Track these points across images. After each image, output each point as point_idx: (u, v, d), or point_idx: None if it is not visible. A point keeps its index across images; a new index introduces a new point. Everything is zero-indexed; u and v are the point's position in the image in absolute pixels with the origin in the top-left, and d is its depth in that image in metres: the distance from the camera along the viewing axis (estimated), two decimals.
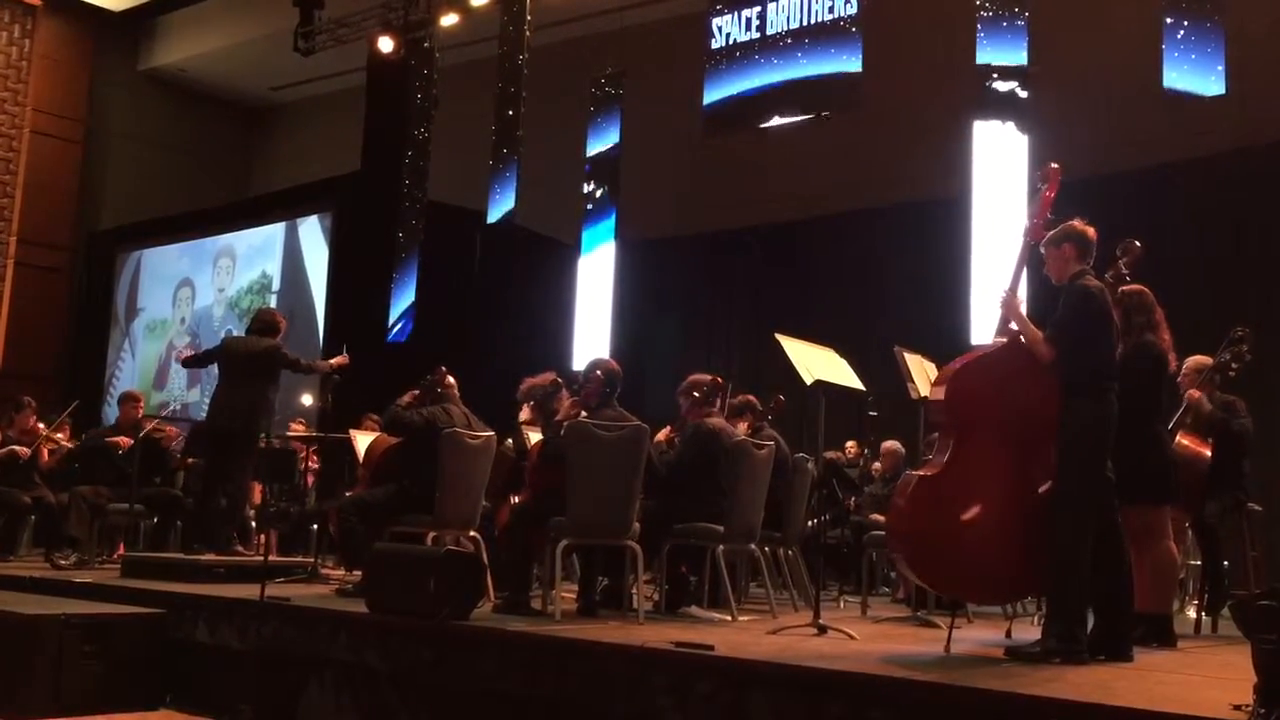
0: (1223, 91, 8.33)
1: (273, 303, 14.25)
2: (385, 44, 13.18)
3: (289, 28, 13.86)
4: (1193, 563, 6.88)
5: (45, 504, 8.64)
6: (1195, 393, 5.86)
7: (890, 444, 8.60)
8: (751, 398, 7.08)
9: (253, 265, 14.85)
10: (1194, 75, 8.42)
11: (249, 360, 7.53)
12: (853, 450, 9.13)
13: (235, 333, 11.85)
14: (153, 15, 16.32)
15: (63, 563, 7.75)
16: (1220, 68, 8.31)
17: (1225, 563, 6.37)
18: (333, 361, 7.77)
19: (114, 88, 16.45)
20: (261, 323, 7.81)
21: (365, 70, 13.99)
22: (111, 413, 13.68)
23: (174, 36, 16.39)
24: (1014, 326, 4.59)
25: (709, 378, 6.37)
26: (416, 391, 6.45)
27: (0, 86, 15.41)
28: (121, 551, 8.46)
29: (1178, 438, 5.75)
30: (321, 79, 15.62)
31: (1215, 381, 6.02)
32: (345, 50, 13.87)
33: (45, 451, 8.94)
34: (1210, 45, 8.36)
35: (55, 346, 15.68)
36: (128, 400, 8.97)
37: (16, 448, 8.73)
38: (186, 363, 8.73)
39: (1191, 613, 6.53)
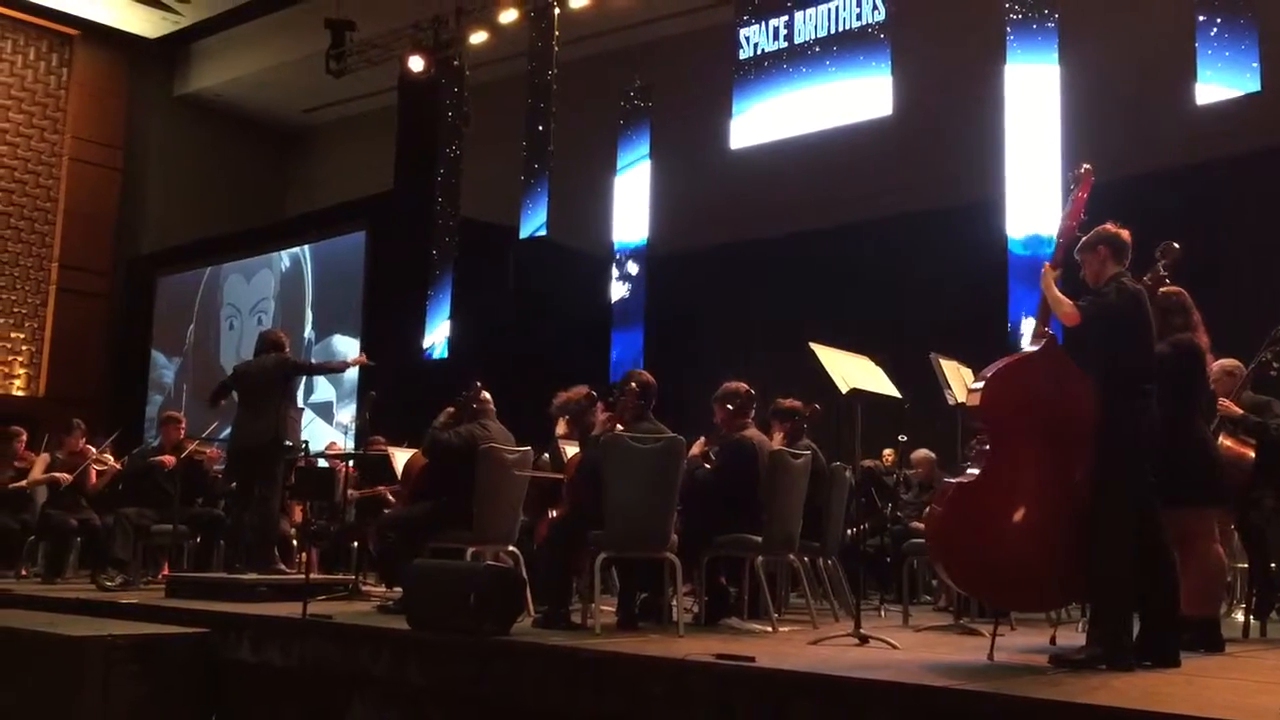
0: (1258, 89, 8.24)
1: (307, 320, 14.39)
2: (416, 63, 13.30)
3: (321, 50, 14.02)
4: (1240, 565, 6.78)
5: (91, 526, 8.76)
6: (1226, 402, 5.78)
7: (921, 452, 8.55)
8: (798, 403, 7.03)
9: (287, 285, 14.99)
10: (1228, 73, 8.35)
11: (263, 378, 7.64)
12: (890, 458, 9.09)
13: None
14: (187, 41, 16.59)
15: (109, 584, 7.83)
16: (1255, 65, 8.24)
17: (1273, 564, 6.28)
18: (349, 360, 7.93)
19: (150, 114, 16.70)
20: (266, 343, 7.92)
21: (397, 90, 14.12)
22: (152, 434, 13.84)
23: (208, 62, 16.62)
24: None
25: (744, 387, 6.35)
26: (452, 409, 6.47)
27: (39, 115, 15.69)
28: (166, 572, 8.53)
29: (1220, 439, 5.68)
30: (354, 100, 15.79)
31: (1248, 383, 5.94)
32: (376, 71, 14.01)
33: (94, 474, 9.08)
34: (1244, 42, 8.29)
35: (97, 370, 15.90)
36: (169, 421, 9.08)
37: (58, 474, 8.89)
38: (212, 400, 8.70)
39: (1239, 616, 6.44)
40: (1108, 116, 9.64)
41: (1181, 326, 5.11)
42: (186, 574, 7.88)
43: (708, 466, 6.39)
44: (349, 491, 9.09)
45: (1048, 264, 4.66)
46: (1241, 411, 5.77)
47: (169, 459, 8.55)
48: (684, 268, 13.25)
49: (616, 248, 12.64)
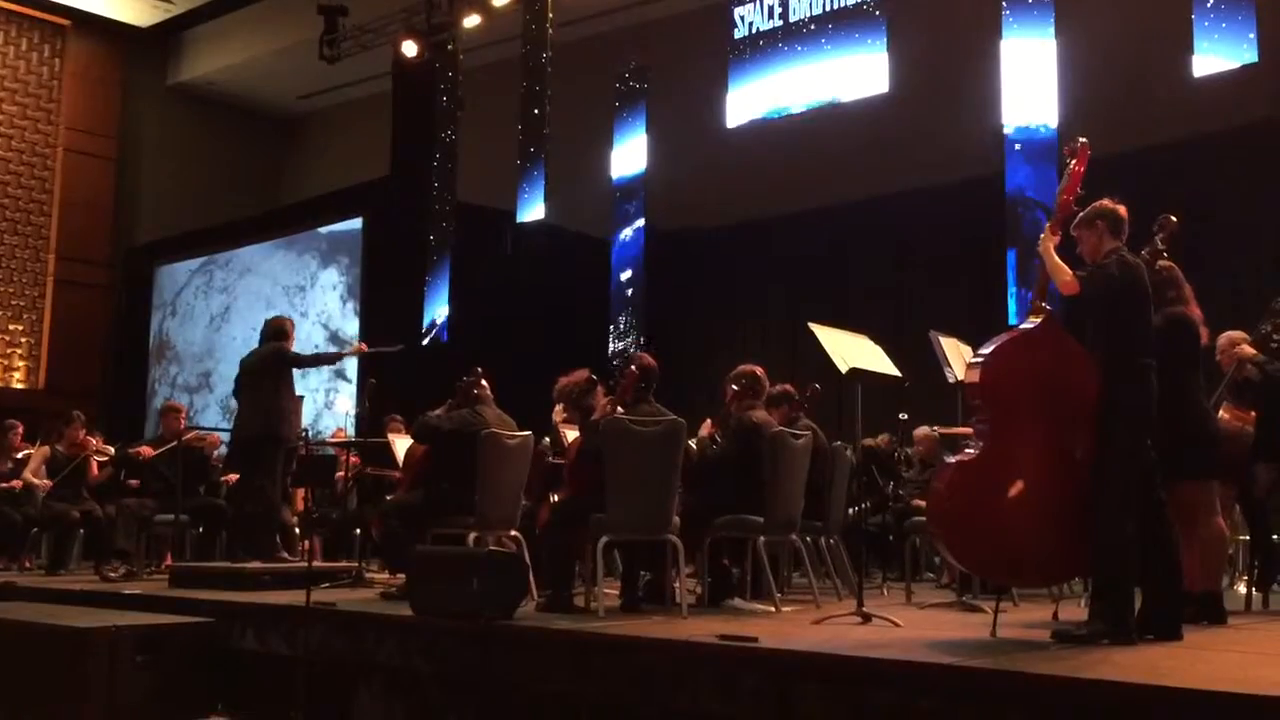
0: (1255, 60, 8.21)
1: (314, 306, 14.36)
2: (409, 48, 13.21)
3: (314, 36, 13.92)
4: (1241, 538, 6.79)
5: (94, 518, 8.77)
6: (1245, 348, 5.75)
7: (924, 430, 8.55)
8: (789, 387, 7.06)
9: (284, 273, 14.96)
10: (1225, 44, 8.31)
11: (258, 366, 7.67)
12: (884, 440, 9.07)
13: None
14: (180, 30, 16.49)
15: (112, 575, 7.84)
16: (1252, 36, 8.20)
17: (1275, 536, 6.29)
18: (345, 349, 7.89)
19: (144, 103, 16.63)
20: (270, 330, 7.92)
21: (391, 75, 14.05)
22: (152, 426, 13.84)
23: (201, 50, 16.53)
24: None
25: (755, 369, 6.34)
26: (450, 401, 6.49)
27: (33, 105, 15.62)
28: (169, 562, 8.55)
29: (1220, 412, 5.68)
30: (348, 85, 15.70)
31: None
32: (370, 56, 13.92)
33: (94, 465, 9.08)
34: (1241, 14, 8.25)
35: (97, 362, 15.87)
36: (169, 411, 9.08)
37: (38, 482, 8.92)
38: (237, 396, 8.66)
39: (1242, 589, 6.46)
40: (1104, 89, 9.59)
41: (1174, 300, 5.11)
42: (189, 564, 7.89)
43: (715, 447, 6.39)
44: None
45: (1046, 231, 4.64)
46: (1253, 352, 5.72)
47: (146, 450, 8.57)
48: (682, 247, 13.23)
49: (614, 227, 12.60)
